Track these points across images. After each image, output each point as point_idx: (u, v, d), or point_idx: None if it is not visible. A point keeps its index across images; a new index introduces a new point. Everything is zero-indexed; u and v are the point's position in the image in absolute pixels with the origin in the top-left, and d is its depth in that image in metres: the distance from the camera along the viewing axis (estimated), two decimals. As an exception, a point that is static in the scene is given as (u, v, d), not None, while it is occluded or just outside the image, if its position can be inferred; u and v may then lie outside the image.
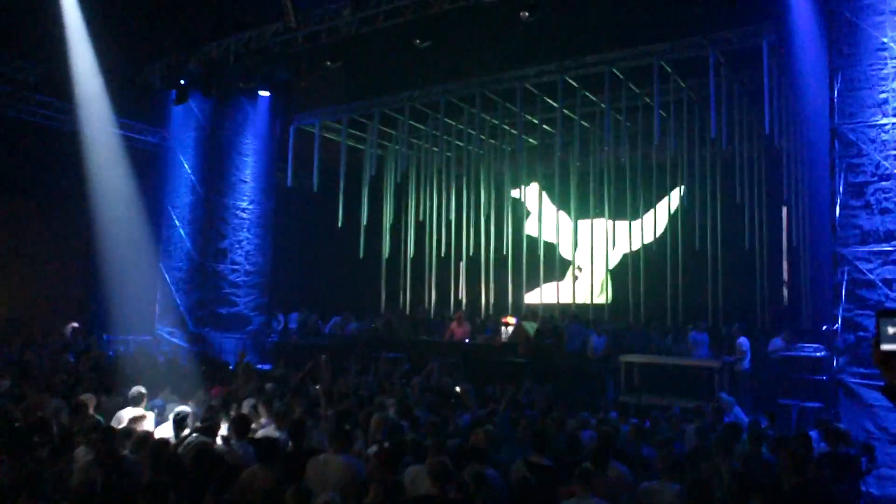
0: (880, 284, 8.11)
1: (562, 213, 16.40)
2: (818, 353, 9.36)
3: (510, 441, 6.21)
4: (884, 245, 8.21)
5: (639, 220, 15.49)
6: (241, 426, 5.73)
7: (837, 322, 8.48)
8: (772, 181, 13.56)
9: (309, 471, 4.96)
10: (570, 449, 5.73)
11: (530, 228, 17.02)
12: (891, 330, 1.71)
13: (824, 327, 9.74)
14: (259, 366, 11.95)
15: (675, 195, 15.08)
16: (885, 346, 1.72)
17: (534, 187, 16.85)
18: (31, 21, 13.17)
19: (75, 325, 15.03)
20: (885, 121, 8.33)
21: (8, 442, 4.96)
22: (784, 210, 13.42)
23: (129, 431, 5.76)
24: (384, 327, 14.68)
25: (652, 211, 15.64)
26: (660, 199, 15.35)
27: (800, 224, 12.79)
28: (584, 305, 15.69)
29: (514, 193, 17.02)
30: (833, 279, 8.57)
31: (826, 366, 9.08)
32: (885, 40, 8.39)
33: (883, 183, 8.26)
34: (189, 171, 15.78)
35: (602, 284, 16.22)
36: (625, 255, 15.69)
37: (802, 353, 9.59)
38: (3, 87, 14.03)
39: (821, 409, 8.70)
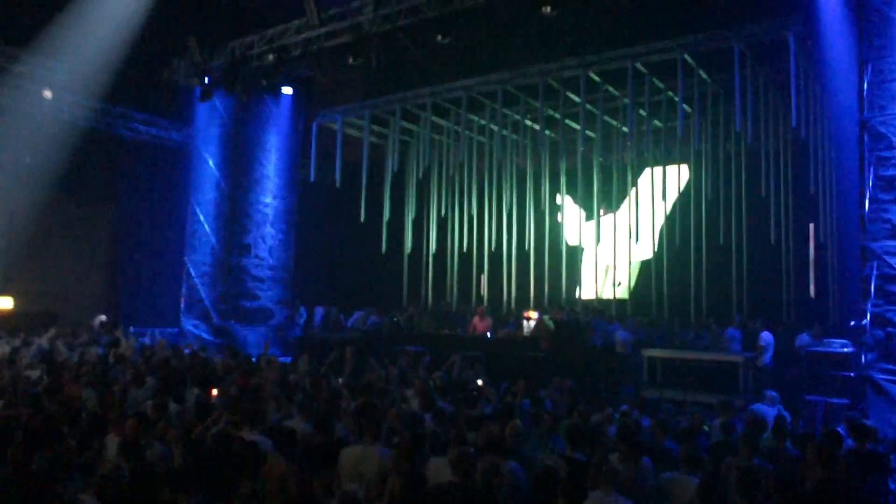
0: (910, 279, 7.98)
1: (584, 208, 16.32)
2: (845, 349, 9.21)
3: (531, 436, 6.21)
4: (914, 239, 8.08)
5: (662, 213, 15.36)
6: (257, 416, 5.79)
7: (866, 317, 8.37)
8: (798, 175, 13.36)
9: (345, 462, 5.02)
10: (593, 444, 5.71)
11: (553, 224, 16.95)
12: None
13: (852, 323, 9.60)
14: (281, 359, 12.06)
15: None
16: None
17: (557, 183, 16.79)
18: (54, 20, 13.40)
19: (103, 318, 15.30)
20: (915, 113, 8.19)
21: (40, 431, 5.07)
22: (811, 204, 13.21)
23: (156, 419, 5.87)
24: (406, 321, 14.74)
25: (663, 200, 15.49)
26: (684, 194, 15.18)
27: (827, 218, 12.60)
28: (608, 300, 15.61)
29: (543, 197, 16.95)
30: (861, 274, 8.44)
31: (854, 362, 8.94)
32: (917, 31, 8.24)
33: (913, 176, 8.13)
34: (213, 167, 15.97)
35: (627, 279, 16.11)
36: (648, 249, 15.57)
37: (829, 349, 9.43)
38: (31, 86, 14.29)
39: (848, 405, 8.58)
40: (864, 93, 8.56)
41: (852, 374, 8.89)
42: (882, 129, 8.39)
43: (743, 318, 12.49)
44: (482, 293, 17.50)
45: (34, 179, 14.95)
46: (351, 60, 13.09)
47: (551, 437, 5.98)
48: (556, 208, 16.99)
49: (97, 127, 15.85)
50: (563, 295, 16.55)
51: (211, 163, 16.01)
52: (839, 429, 6.46)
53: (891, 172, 8.30)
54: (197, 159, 16.32)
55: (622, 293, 16.06)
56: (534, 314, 13.58)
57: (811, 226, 13.33)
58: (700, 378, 9.92)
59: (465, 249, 17.49)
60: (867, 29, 8.66)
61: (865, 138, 8.53)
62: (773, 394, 7.79)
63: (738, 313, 12.93)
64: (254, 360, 10.64)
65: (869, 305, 8.33)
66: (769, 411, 7.28)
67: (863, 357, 8.58)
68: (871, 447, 5.98)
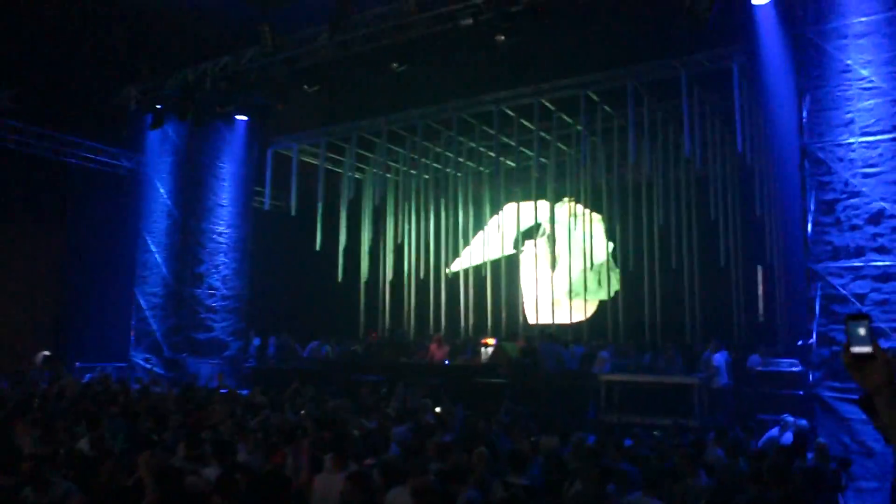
0: (852, 299, 8.26)
1: (541, 233, 16.51)
2: (794, 368, 9.48)
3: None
4: (854, 261, 8.38)
5: (615, 239, 15.63)
6: (214, 451, 5.63)
7: (812, 337, 8.61)
8: (745, 199, 13.80)
9: (315, 489, 4.96)
10: (550, 469, 5.71)
11: (508, 249, 17.08)
12: (860, 332, 1.75)
13: (799, 342, 9.87)
14: (238, 391, 11.78)
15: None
16: (855, 349, 1.76)
17: (511, 207, 16.95)
18: (3, 45, 13.07)
19: (46, 353, 14.74)
20: (852, 140, 8.55)
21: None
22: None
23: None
24: (364, 350, 14.58)
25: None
26: (636, 218, 15.50)
27: (773, 241, 13.00)
28: (564, 325, 15.73)
29: (495, 218, 17.07)
30: (807, 295, 8.71)
31: (802, 380, 9.19)
32: (849, 62, 8.64)
33: (852, 200, 8.46)
34: (165, 195, 15.66)
35: (582, 305, 16.27)
36: (601, 275, 15.80)
37: (779, 369, 9.69)
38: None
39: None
40: (804, 120, 8.92)
41: (801, 393, 9.13)
42: (821, 155, 8.74)
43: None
44: (440, 320, 17.46)
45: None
46: (306, 87, 13.07)
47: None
48: (510, 235, 17.12)
49: (44, 155, 15.43)
50: (521, 321, 16.63)
51: (162, 191, 15.70)
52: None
53: (830, 196, 8.63)
54: (148, 188, 15.98)
55: (578, 318, 16.20)
56: (492, 341, 13.60)
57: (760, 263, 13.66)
58: (657, 401, 10.04)
59: (422, 276, 17.46)
60: (804, 60, 9.06)
61: (806, 164, 8.87)
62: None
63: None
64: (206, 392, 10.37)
65: (814, 325, 8.58)
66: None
67: (810, 375, 8.81)
68: (822, 464, 6.12)
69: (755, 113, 12.15)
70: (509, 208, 17.01)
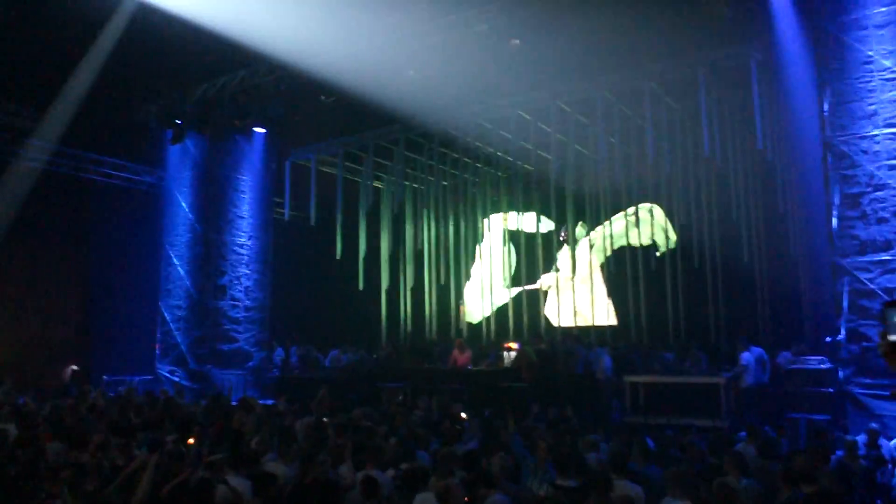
0: (881, 294, 8.11)
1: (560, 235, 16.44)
2: (822, 366, 9.32)
3: (523, 467, 6.15)
4: (882, 255, 8.25)
5: (636, 238, 15.51)
6: (241, 460, 5.66)
7: (840, 333, 8.48)
8: (767, 195, 13.63)
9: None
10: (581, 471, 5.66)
11: (531, 253, 17.01)
12: None
13: (827, 339, 9.71)
14: (261, 401, 11.85)
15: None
16: (893, 337, 1.73)
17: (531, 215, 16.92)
18: (26, 66, 13.31)
19: (74, 367, 14.95)
20: (875, 132, 8.43)
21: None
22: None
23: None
24: (384, 358, 14.60)
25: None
26: (656, 220, 15.36)
27: (797, 236, 12.82)
28: (587, 327, 15.64)
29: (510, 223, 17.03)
30: (833, 290, 8.58)
31: (831, 377, 9.03)
32: (871, 53, 8.53)
33: (878, 193, 8.34)
34: (187, 209, 15.85)
35: (605, 306, 16.16)
36: (625, 275, 15.67)
37: (807, 366, 9.54)
38: (1, 133, 14.14)
39: (829, 421, 8.63)
40: (825, 114, 8.81)
41: (831, 390, 8.98)
42: (844, 148, 8.62)
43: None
44: (461, 325, 17.44)
45: (2, 225, 14.73)
46: (323, 98, 13.16)
47: (546, 467, 5.92)
48: (531, 237, 17.06)
49: (67, 172, 15.69)
50: (543, 323, 16.54)
51: (184, 205, 15.89)
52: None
53: (855, 190, 8.51)
54: (170, 202, 16.19)
55: (602, 320, 16.09)
56: (514, 345, 13.53)
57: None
58: (683, 402, 9.92)
59: (442, 282, 17.46)
60: (824, 53, 8.97)
61: (829, 158, 8.76)
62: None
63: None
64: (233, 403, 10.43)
65: (843, 321, 8.45)
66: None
67: (840, 372, 8.67)
68: (849, 462, 6.01)
69: (775, 109, 12.00)
70: (528, 216, 16.98)
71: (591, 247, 15.89)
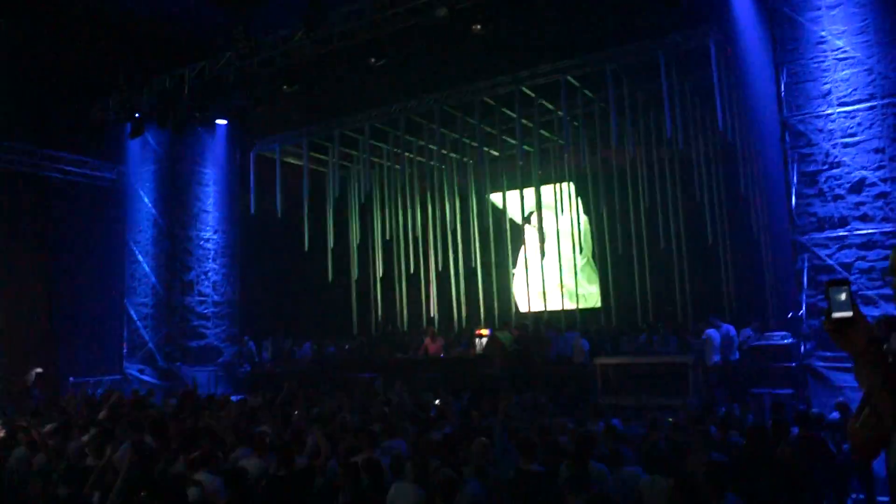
0: (839, 269, 8.34)
1: (529, 221, 16.53)
2: (785, 341, 9.55)
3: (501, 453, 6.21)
4: (839, 230, 8.47)
5: (602, 223, 15.68)
6: (212, 458, 5.62)
7: (802, 308, 8.69)
8: (729, 176, 13.87)
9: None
10: (550, 454, 5.74)
11: (499, 239, 17.09)
12: (841, 297, 1.78)
13: (790, 314, 9.96)
14: (233, 397, 11.76)
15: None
16: (836, 314, 1.78)
17: (497, 196, 16.98)
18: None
19: (38, 370, 14.63)
20: (830, 111, 8.62)
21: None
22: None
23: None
24: (358, 348, 14.58)
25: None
26: (622, 201, 15.55)
27: (759, 216, 13.09)
28: (556, 312, 15.79)
29: (495, 198, 17.07)
30: (794, 267, 8.78)
31: (794, 352, 9.27)
32: (824, 34, 8.70)
33: (833, 170, 8.53)
34: (149, 204, 15.56)
35: (573, 289, 16.32)
36: (591, 259, 15.86)
37: (771, 342, 9.77)
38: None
39: (791, 395, 8.87)
40: (782, 94, 8.98)
41: (794, 365, 9.21)
42: (801, 128, 8.80)
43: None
44: (432, 314, 17.47)
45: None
46: (285, 87, 13.00)
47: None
48: (498, 224, 17.13)
49: (24, 170, 15.28)
50: (513, 309, 16.67)
51: (147, 200, 15.60)
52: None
53: (812, 168, 8.70)
54: (132, 198, 15.87)
55: (569, 304, 16.26)
56: (486, 331, 13.63)
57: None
58: (652, 382, 10.10)
59: (412, 271, 17.46)
60: (779, 34, 9.12)
61: (787, 137, 8.93)
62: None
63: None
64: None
65: (803, 297, 8.66)
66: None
67: (802, 347, 8.90)
68: (815, 433, 6.18)
69: (735, 90, 12.20)
70: (495, 197, 17.04)
71: (558, 229, 15.99)
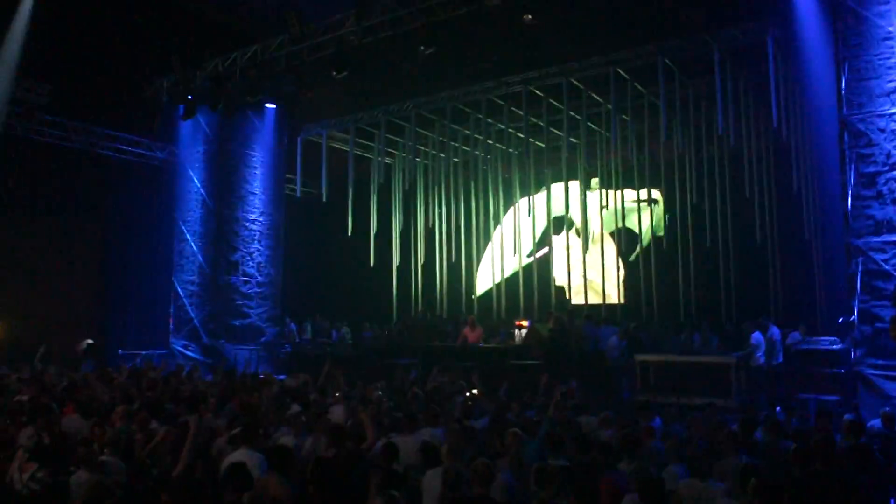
0: (895, 274, 8.07)
1: (572, 213, 16.39)
2: (835, 346, 9.30)
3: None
4: (897, 235, 8.19)
5: (647, 218, 15.45)
6: (249, 435, 5.73)
7: (853, 314, 8.45)
8: (781, 175, 13.50)
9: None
10: (582, 448, 5.70)
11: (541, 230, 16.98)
12: None
13: (840, 319, 9.68)
14: (275, 376, 11.99)
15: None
16: None
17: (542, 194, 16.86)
18: (39, 42, 13.31)
19: (90, 341, 15.13)
20: (894, 110, 8.32)
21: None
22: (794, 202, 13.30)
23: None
24: (396, 334, 14.70)
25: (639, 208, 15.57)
26: (669, 197, 15.29)
27: (811, 216, 12.73)
28: (597, 305, 15.64)
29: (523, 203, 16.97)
30: (847, 270, 8.53)
31: (843, 358, 9.02)
32: (891, 29, 8.38)
33: (894, 172, 8.24)
34: (199, 185, 15.90)
35: (616, 284, 16.14)
36: (636, 255, 15.65)
37: (819, 347, 9.52)
38: (15, 108, 14.19)
39: (839, 402, 8.64)
40: (843, 91, 8.69)
41: (842, 371, 8.97)
42: (861, 127, 8.51)
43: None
44: (472, 302, 17.49)
45: (16, 203, 14.87)
46: (334, 74, 13.09)
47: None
48: (541, 216, 17.01)
49: (81, 148, 15.76)
50: (553, 301, 16.56)
51: (196, 181, 15.94)
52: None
53: (872, 169, 8.41)
54: (182, 178, 16.24)
55: (612, 298, 16.08)
56: (525, 322, 13.59)
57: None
58: (693, 381, 9.94)
59: (453, 259, 17.49)
60: (842, 29, 8.81)
61: (845, 136, 8.65)
62: (888, 409, 7.41)
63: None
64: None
65: (856, 302, 8.41)
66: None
67: (852, 353, 8.65)
68: (864, 442, 6.01)
69: (790, 86, 11.85)
70: (540, 193, 16.93)
71: (603, 208, 15.74)
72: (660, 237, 15.69)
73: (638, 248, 15.74)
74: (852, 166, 8.54)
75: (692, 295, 14.62)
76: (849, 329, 8.79)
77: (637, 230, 15.71)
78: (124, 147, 16.58)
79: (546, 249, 16.78)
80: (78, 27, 13.69)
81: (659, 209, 15.77)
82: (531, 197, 16.50)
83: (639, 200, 15.37)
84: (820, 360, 9.33)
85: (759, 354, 10.48)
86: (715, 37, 11.39)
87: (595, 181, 16.17)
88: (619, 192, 15.57)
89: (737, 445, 5.58)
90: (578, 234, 16.40)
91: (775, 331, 10.73)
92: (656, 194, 15.51)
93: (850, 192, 8.56)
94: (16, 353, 12.93)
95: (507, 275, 17.02)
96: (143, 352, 15.18)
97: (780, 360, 10.52)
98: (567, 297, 16.40)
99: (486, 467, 4.53)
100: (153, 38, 14.84)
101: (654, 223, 15.74)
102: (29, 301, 15.05)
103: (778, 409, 7.90)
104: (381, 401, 7.98)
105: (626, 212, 15.63)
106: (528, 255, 16.75)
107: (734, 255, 14.16)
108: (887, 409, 7.22)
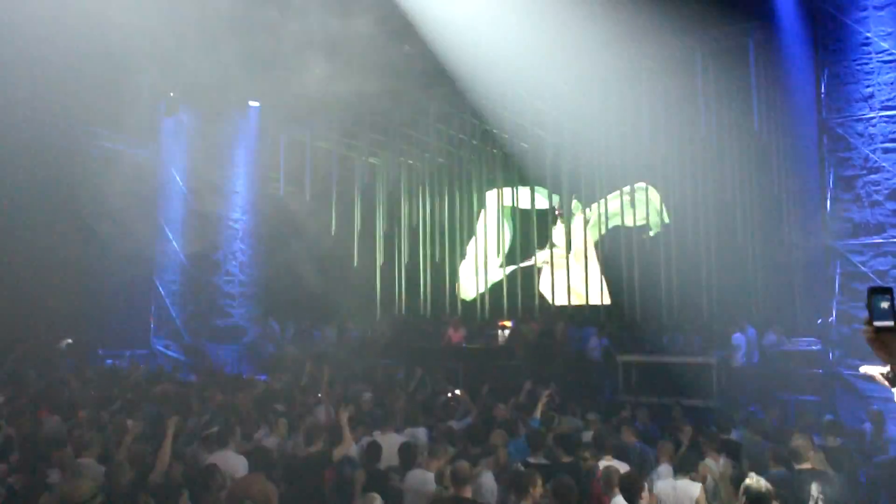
0: (873, 276, 8.18)
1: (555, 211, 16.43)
2: (813, 347, 9.41)
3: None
4: (875, 237, 8.30)
5: (628, 218, 15.52)
6: (229, 437, 5.70)
7: (832, 315, 8.55)
8: (762, 176, 13.63)
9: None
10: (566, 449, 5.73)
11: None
12: (883, 305, 1.74)
13: (819, 320, 9.80)
14: (257, 377, 11.92)
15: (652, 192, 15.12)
16: (878, 323, 1.74)
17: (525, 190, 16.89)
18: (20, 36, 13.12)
19: (69, 340, 14.94)
20: (872, 114, 8.44)
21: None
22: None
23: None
24: (378, 335, 14.68)
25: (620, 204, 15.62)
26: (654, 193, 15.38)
27: (791, 218, 12.86)
28: (580, 306, 15.70)
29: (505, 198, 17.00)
30: (826, 272, 8.64)
31: (822, 359, 9.13)
32: (869, 35, 8.50)
33: (872, 176, 8.36)
34: (181, 183, 15.76)
35: (598, 285, 16.21)
36: (618, 256, 15.70)
37: (798, 348, 9.64)
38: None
39: (817, 402, 8.75)
40: (822, 95, 8.80)
41: (821, 372, 9.08)
42: (840, 131, 8.62)
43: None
44: (457, 303, 17.49)
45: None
46: (318, 72, 13.02)
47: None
48: (526, 214, 17.05)
49: (62, 144, 15.54)
50: (537, 301, 16.61)
51: (178, 179, 15.81)
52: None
53: (850, 172, 8.53)
54: (164, 175, 16.09)
55: (594, 299, 16.14)
56: (508, 323, 13.62)
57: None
58: (675, 381, 10.01)
59: (437, 259, 17.48)
60: (822, 34, 8.93)
61: (825, 140, 8.76)
62: (877, 407, 7.29)
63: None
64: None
65: (834, 303, 8.52)
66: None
67: (830, 354, 8.76)
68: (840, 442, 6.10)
69: (771, 89, 11.96)
70: (524, 191, 16.96)
71: (586, 224, 15.88)
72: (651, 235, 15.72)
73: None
74: (831, 170, 8.66)
75: (674, 295, 14.70)
76: (827, 330, 8.90)
77: (631, 223, 15.59)
78: (105, 144, 16.37)
79: (532, 261, 16.80)
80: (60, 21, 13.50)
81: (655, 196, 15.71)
82: (514, 194, 16.52)
83: (622, 194, 15.39)
84: (798, 361, 9.45)
85: (739, 355, 10.58)
86: (697, 38, 11.46)
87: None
88: (601, 201, 15.62)
89: (717, 445, 5.64)
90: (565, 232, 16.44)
91: (751, 331, 10.85)
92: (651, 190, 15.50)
93: (828, 194, 8.67)
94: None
95: (490, 283, 17.03)
96: (124, 352, 15.02)
97: (756, 360, 10.63)
98: (552, 297, 16.44)
99: (468, 468, 4.54)
100: (135, 32, 14.67)
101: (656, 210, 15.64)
102: (4, 299, 14.82)
103: (752, 408, 7.99)
104: (363, 401, 7.97)
105: (609, 217, 15.65)
106: (501, 266, 16.78)
107: (716, 256, 14.27)
108: (875, 406, 7.28)
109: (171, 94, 14.52)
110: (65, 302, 16.18)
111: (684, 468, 4.96)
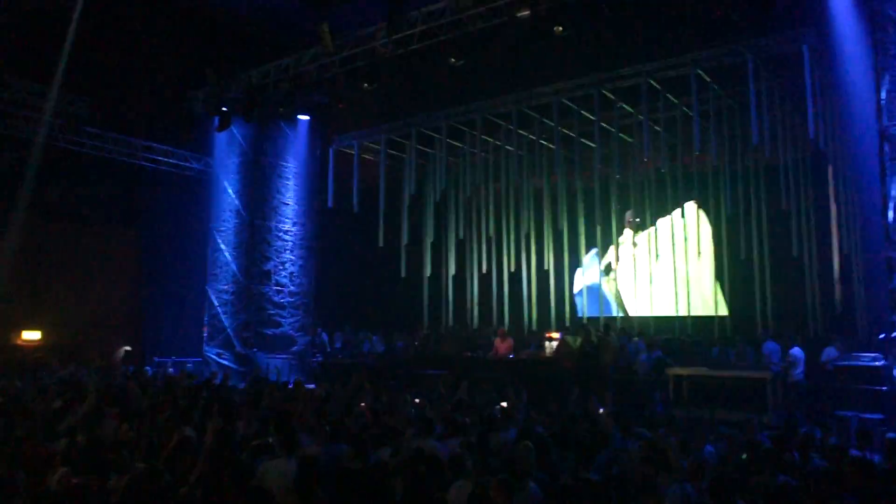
0: (938, 289, 7.82)
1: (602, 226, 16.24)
2: (877, 363, 9.03)
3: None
4: (940, 249, 7.94)
5: (681, 231, 15.22)
6: (289, 443, 5.77)
7: (894, 330, 8.20)
8: (818, 186, 13.21)
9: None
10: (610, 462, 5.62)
11: (572, 243, 16.84)
12: None
13: (881, 336, 9.40)
14: (306, 386, 12.08)
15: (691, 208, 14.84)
16: None
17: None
18: (78, 56, 13.69)
19: (127, 348, 15.44)
20: (935, 121, 8.09)
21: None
22: (833, 215, 12.96)
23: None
24: (421, 344, 14.72)
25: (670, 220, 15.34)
26: (703, 209, 15.06)
27: (850, 229, 12.41)
28: (630, 318, 15.45)
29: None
30: (888, 285, 8.30)
31: (885, 375, 8.75)
32: (933, 38, 8.17)
33: (936, 184, 8.01)
34: (233, 195, 16.16)
35: (649, 297, 15.93)
36: (672, 267, 15.41)
37: (860, 363, 9.25)
38: (58, 121, 14.60)
39: (881, 420, 8.38)
40: (882, 102, 8.49)
41: (885, 389, 8.70)
42: (902, 138, 8.30)
43: (775, 331, 12.20)
44: (503, 314, 17.40)
45: (58, 212, 15.27)
46: (366, 85, 13.22)
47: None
48: (574, 227, 16.89)
49: (119, 159, 16.13)
50: (584, 314, 16.42)
51: (230, 191, 16.21)
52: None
53: (913, 181, 8.19)
54: (216, 188, 16.53)
55: (645, 311, 15.87)
56: (556, 334, 13.47)
57: (835, 237, 13.08)
58: (727, 396, 9.74)
59: (484, 270, 17.46)
60: (882, 38, 8.63)
61: (885, 148, 8.45)
62: None
63: (765, 328, 12.70)
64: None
65: (897, 317, 8.18)
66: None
67: (895, 370, 8.40)
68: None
69: (828, 96, 11.59)
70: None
71: (635, 234, 15.65)
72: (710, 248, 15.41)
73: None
74: (893, 178, 8.33)
75: (727, 308, 14.35)
76: (890, 345, 8.54)
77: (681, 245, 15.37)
78: (161, 158, 16.93)
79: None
80: (116, 42, 14.07)
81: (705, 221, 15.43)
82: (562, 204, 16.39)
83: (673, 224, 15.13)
84: (860, 377, 9.07)
85: (798, 370, 10.24)
86: (749, 46, 11.20)
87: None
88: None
89: (772, 464, 5.45)
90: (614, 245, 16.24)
91: (796, 349, 10.54)
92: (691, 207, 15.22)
93: (890, 204, 8.34)
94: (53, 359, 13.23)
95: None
96: (178, 359, 15.44)
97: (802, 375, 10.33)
98: (599, 309, 16.24)
99: (508, 482, 4.48)
100: (189, 51, 15.19)
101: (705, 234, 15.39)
102: (68, 308, 15.42)
103: (804, 428, 7.69)
104: (408, 410, 7.98)
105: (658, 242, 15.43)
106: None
107: (770, 268, 13.88)
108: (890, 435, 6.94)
109: (224, 109, 14.91)
110: (123, 310, 16.78)
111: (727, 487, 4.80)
